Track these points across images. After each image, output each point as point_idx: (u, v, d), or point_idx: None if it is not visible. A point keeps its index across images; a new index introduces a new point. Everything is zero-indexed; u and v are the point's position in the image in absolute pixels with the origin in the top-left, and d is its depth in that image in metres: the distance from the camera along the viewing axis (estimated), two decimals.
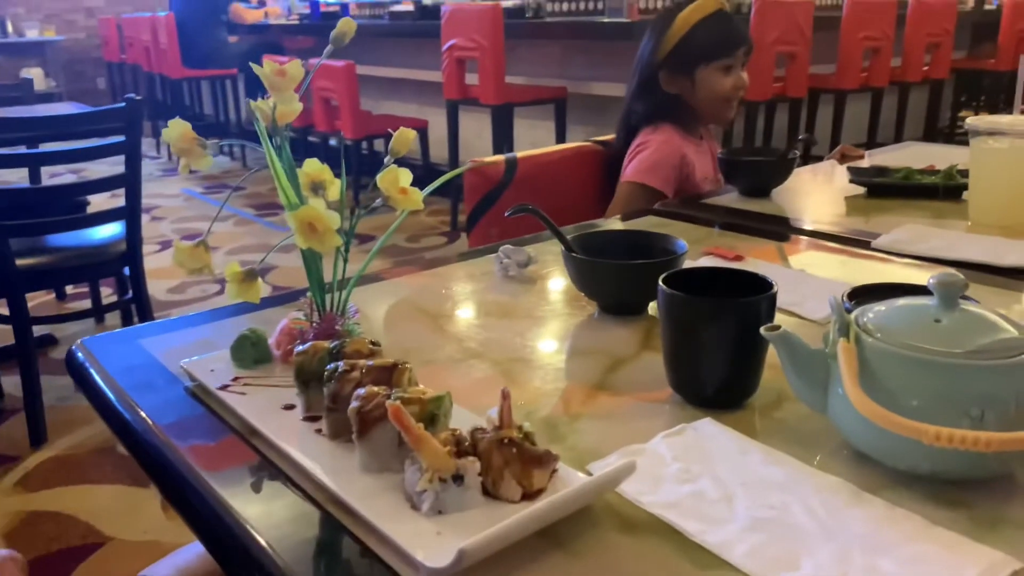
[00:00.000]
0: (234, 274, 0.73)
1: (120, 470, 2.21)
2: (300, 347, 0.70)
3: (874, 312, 0.64)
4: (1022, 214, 1.26)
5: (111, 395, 0.78)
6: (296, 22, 5.90)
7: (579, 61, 4.18)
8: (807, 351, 0.64)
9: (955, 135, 4.99)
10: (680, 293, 0.70)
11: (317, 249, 0.68)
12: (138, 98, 2.30)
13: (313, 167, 0.74)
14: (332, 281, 0.76)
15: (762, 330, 0.64)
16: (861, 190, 1.49)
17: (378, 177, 0.69)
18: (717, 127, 1.94)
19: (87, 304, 3.15)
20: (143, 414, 0.73)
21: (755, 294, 0.70)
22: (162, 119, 6.66)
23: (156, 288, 3.46)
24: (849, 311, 0.84)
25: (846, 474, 0.62)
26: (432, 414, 0.60)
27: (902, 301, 0.65)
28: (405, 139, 0.72)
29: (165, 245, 4.22)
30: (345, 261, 0.75)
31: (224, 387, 0.74)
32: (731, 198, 1.50)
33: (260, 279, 0.76)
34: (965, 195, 1.42)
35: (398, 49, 5.27)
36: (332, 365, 0.66)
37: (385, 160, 0.72)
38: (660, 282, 0.73)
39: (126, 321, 2.66)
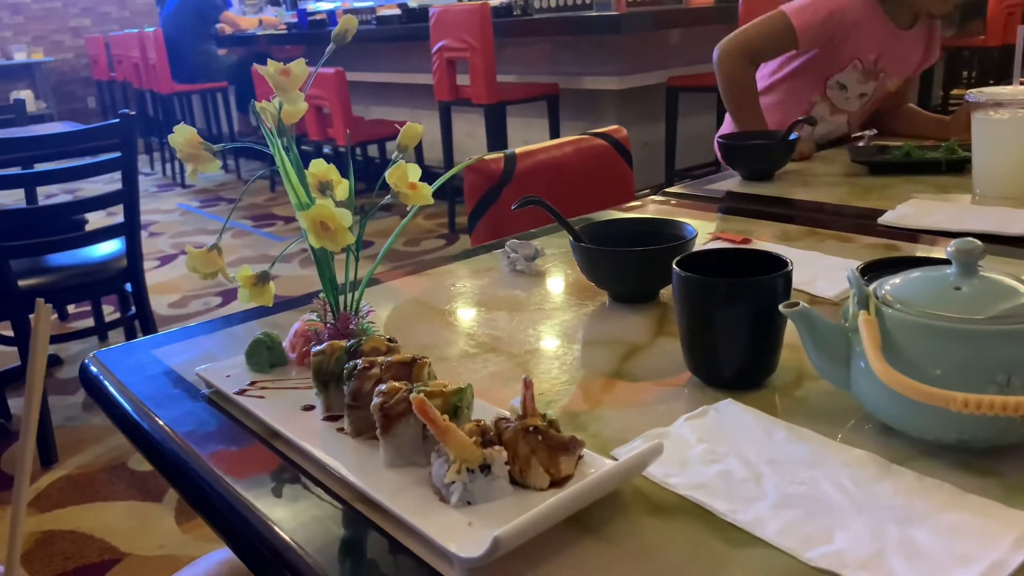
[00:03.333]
0: (246, 278, 0.73)
1: (132, 486, 2.21)
2: (316, 348, 0.70)
3: (892, 284, 0.64)
4: None
5: (128, 406, 0.78)
6: (284, 31, 5.90)
7: (569, 57, 4.18)
8: (827, 327, 0.63)
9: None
10: (696, 275, 0.70)
11: (330, 248, 0.67)
12: (132, 113, 2.30)
13: (320, 167, 0.73)
14: (345, 281, 0.76)
15: (781, 307, 0.64)
16: (863, 169, 1.49)
17: (387, 173, 0.68)
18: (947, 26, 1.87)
19: (90, 322, 3.14)
20: (162, 423, 0.73)
21: (769, 273, 0.70)
22: (154, 135, 6.66)
23: (157, 303, 3.46)
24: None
25: (871, 448, 0.61)
26: (455, 406, 0.60)
27: (920, 271, 0.64)
28: (414, 133, 0.72)
29: (165, 260, 4.22)
30: (357, 260, 0.74)
31: (242, 392, 0.74)
32: (734, 182, 1.49)
33: (272, 283, 0.75)
34: (968, 168, 1.42)
35: (386, 53, 5.26)
36: (351, 363, 0.65)
37: (393, 156, 0.71)
38: (674, 265, 0.72)
39: (129, 338, 2.66)
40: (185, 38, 6.03)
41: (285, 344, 0.80)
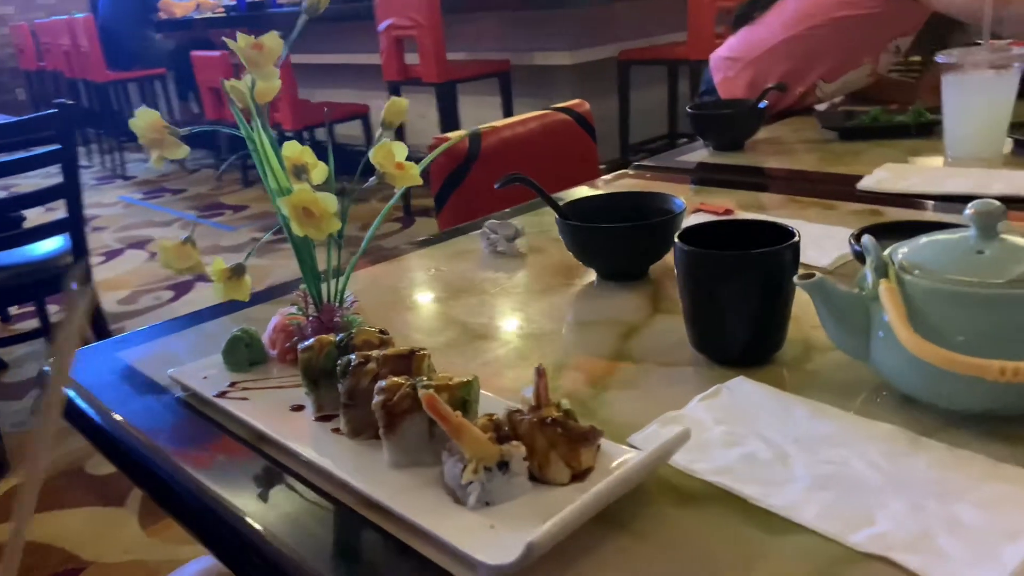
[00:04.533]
0: (220, 272, 0.68)
1: (91, 491, 2.12)
2: (303, 343, 0.65)
3: (907, 250, 0.61)
4: (998, 145, 1.26)
5: (96, 416, 0.72)
6: (223, 15, 5.71)
7: (519, 32, 4.12)
8: (844, 297, 0.61)
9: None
10: (701, 249, 0.67)
11: (313, 236, 0.62)
12: (70, 103, 2.19)
13: (293, 149, 0.68)
14: (327, 271, 0.71)
15: (795, 279, 0.61)
16: (832, 135, 1.48)
17: (371, 153, 0.64)
18: None
19: (35, 323, 3.01)
20: (137, 432, 0.68)
21: (771, 245, 0.67)
22: (91, 126, 6.42)
23: (106, 300, 3.33)
24: (859, 252, 0.83)
25: (892, 420, 0.59)
26: (463, 400, 0.56)
27: (936, 236, 0.62)
28: (399, 109, 0.67)
29: (110, 255, 4.07)
30: (340, 247, 0.69)
31: (223, 394, 0.69)
32: (704, 154, 1.47)
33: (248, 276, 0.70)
34: (936, 131, 1.42)
35: (331, 34, 5.13)
36: (344, 359, 0.61)
37: (376, 135, 0.66)
38: (676, 239, 0.69)
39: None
40: (124, 23, 5.78)
41: (265, 340, 0.75)
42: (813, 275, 0.61)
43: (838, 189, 1.19)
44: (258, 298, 0.94)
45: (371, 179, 0.66)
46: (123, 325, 3.14)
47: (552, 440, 0.53)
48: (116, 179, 5.95)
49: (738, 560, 0.48)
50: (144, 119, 0.62)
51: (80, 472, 2.19)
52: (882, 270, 0.59)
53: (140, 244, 4.23)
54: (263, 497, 0.59)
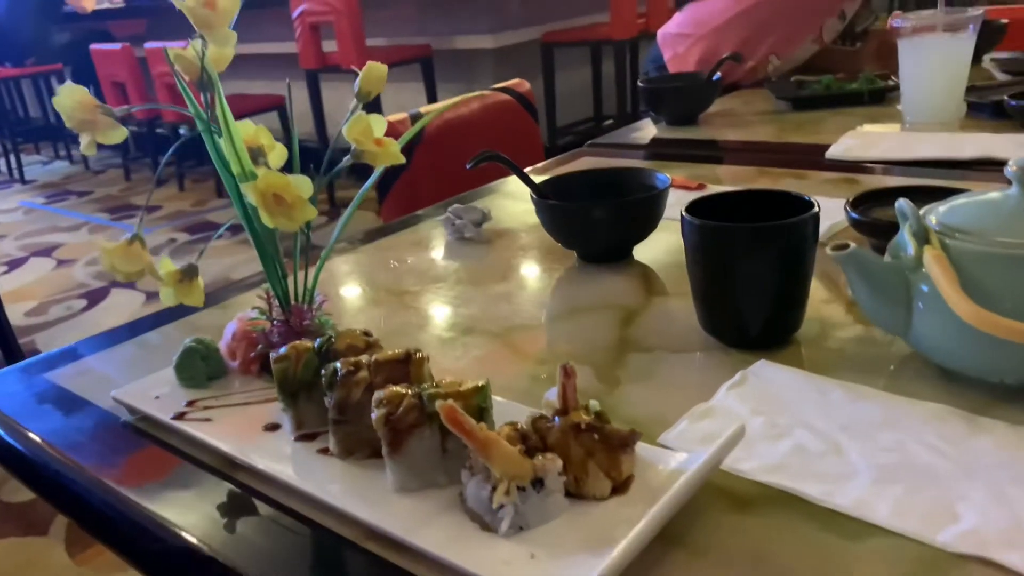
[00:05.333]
0: (170, 274, 0.58)
1: (8, 520, 1.96)
2: (275, 352, 0.56)
3: (941, 214, 0.57)
4: (956, 108, 1.25)
5: (26, 451, 0.62)
6: (121, 5, 5.40)
7: (439, 16, 4.02)
8: (883, 268, 0.56)
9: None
10: (717, 223, 0.61)
11: (285, 227, 0.54)
12: None
13: (247, 130, 0.59)
14: (294, 267, 0.62)
15: (829, 250, 0.56)
16: (786, 106, 1.44)
17: (345, 127, 0.55)
18: None
19: None
20: (84, 469, 0.58)
21: (779, 217, 0.61)
22: None
23: (12, 313, 3.09)
24: (858, 220, 0.78)
25: (933, 398, 0.54)
26: (479, 408, 0.48)
27: (971, 197, 0.58)
28: (377, 76, 0.58)
29: (13, 265, 3.80)
30: (308, 239, 0.61)
31: (180, 415, 0.59)
32: (658, 128, 1.42)
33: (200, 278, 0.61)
34: (888, 98, 1.40)
35: (240, 22, 4.90)
36: (329, 367, 0.52)
37: (351, 106, 0.58)
38: (684, 213, 0.63)
39: None
40: (22, 15, 5.37)
41: (222, 350, 0.66)
42: (847, 246, 0.55)
43: (805, 158, 1.15)
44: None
45: (345, 158, 0.57)
46: (32, 339, 2.93)
47: (589, 448, 0.46)
48: (14, 183, 5.59)
49: (814, 572, 0.42)
50: (70, 97, 0.52)
51: None
52: (923, 236, 0.54)
53: (46, 251, 3.96)
54: (230, 528, 0.50)
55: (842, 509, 0.45)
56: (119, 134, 0.53)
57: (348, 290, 0.87)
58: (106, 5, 5.43)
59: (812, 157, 1.15)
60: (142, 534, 0.52)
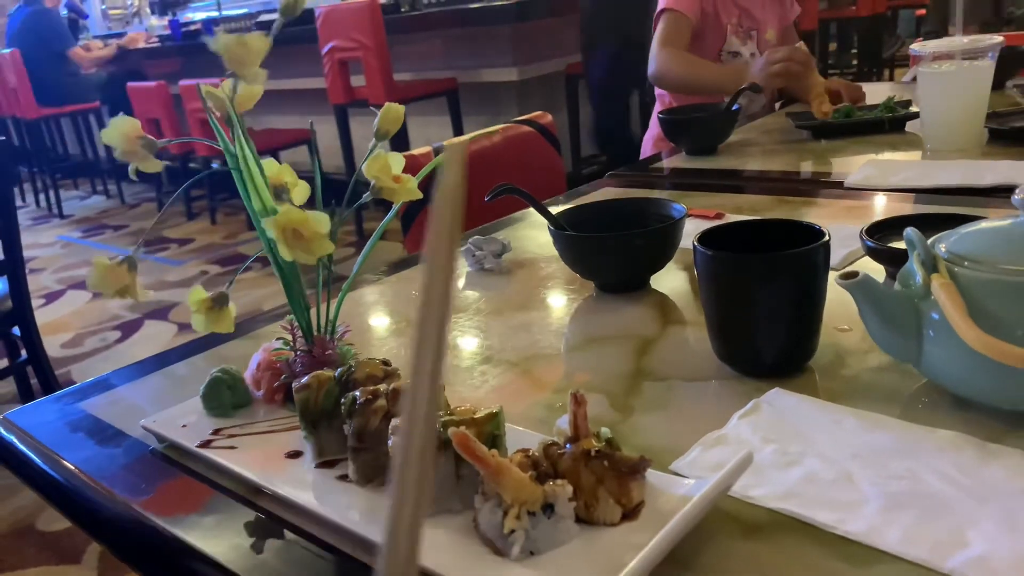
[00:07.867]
0: (200, 302, 0.60)
1: (43, 550, 1.99)
2: (297, 382, 0.58)
3: (951, 242, 0.57)
4: (976, 136, 1.25)
5: (61, 479, 0.64)
6: (156, 45, 5.56)
7: (465, 50, 4.08)
8: (892, 296, 0.56)
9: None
10: (729, 253, 0.62)
11: (303, 260, 0.56)
12: (2, 139, 2.07)
13: (271, 168, 0.61)
14: (316, 298, 0.64)
15: (836, 279, 0.57)
16: (805, 135, 1.45)
17: (364, 165, 0.57)
18: None
19: None
20: (116, 496, 0.59)
21: (793, 246, 0.62)
22: (23, 164, 6.17)
23: (49, 345, 3.15)
24: (873, 248, 0.79)
25: (947, 426, 0.55)
26: (492, 435, 0.49)
27: (979, 225, 0.58)
28: (395, 116, 0.60)
29: (51, 298, 3.89)
30: (330, 272, 0.63)
31: (206, 443, 0.61)
32: (679, 159, 1.43)
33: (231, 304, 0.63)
34: (909, 125, 1.40)
35: (270, 58, 5.02)
36: (349, 396, 0.54)
37: (370, 145, 0.60)
38: (696, 243, 0.64)
39: (22, 385, 2.41)
40: (37, 62, 5.54)
41: (247, 380, 0.68)
42: (857, 274, 0.56)
43: (824, 187, 1.16)
44: (228, 334, 0.86)
45: (365, 194, 0.59)
46: (68, 370, 2.99)
47: (599, 475, 0.47)
48: (53, 218, 5.73)
49: None
50: (119, 128, 0.54)
51: (30, 530, 2.05)
52: (931, 264, 0.55)
53: (81, 284, 4.05)
54: (255, 554, 0.51)
55: (852, 536, 0.46)
56: (153, 165, 0.56)
57: (373, 320, 0.89)
58: (142, 45, 5.59)
59: (831, 185, 1.16)
60: (171, 560, 0.54)
